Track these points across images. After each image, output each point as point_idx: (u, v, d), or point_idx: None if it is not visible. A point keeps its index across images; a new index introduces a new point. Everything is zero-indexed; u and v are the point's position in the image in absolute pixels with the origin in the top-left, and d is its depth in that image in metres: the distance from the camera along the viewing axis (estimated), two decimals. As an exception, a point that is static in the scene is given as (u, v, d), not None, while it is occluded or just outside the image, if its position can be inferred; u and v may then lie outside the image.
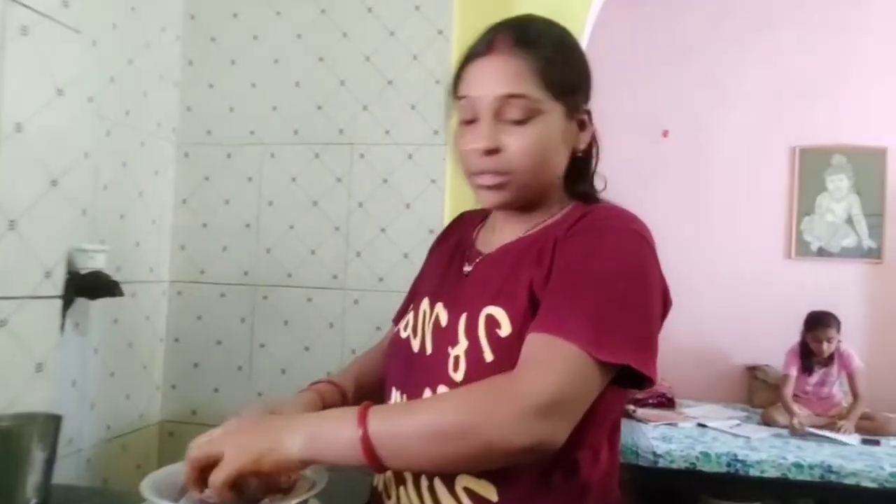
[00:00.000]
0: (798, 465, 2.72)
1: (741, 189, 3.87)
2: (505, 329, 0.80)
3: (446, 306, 0.91)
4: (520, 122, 0.84)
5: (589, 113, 0.91)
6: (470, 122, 0.87)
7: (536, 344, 0.76)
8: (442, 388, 0.84)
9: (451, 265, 0.98)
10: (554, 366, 0.73)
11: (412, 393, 0.89)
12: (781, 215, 3.86)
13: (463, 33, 1.69)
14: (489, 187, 0.87)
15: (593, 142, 0.93)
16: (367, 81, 1.73)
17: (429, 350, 0.90)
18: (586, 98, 0.91)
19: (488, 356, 0.80)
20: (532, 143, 0.84)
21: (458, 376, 0.83)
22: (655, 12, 3.91)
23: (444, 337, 0.87)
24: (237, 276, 1.79)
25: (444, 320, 0.89)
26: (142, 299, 1.71)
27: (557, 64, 0.86)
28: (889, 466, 2.71)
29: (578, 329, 0.73)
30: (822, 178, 3.84)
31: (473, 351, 0.82)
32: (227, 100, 1.82)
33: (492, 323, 0.82)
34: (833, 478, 2.71)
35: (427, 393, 0.86)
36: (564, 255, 0.81)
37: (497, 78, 0.84)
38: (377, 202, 1.72)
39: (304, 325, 1.75)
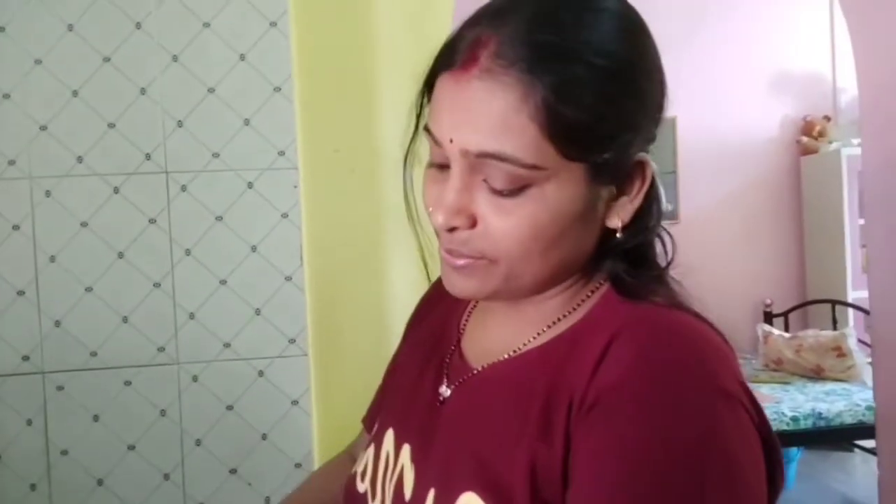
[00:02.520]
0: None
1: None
2: None
3: (414, 459, 0.62)
4: (506, 194, 0.52)
5: (644, 163, 0.55)
6: (440, 166, 0.56)
7: None
8: None
9: (426, 373, 0.67)
10: None
11: None
12: (592, 186, 3.98)
13: (303, 25, 1.33)
14: (455, 269, 0.56)
15: (648, 206, 0.57)
16: (179, 88, 1.31)
17: None
18: (645, 139, 0.55)
19: None
20: (523, 227, 0.52)
21: None
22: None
23: None
24: (13, 363, 1.30)
25: (408, 489, 0.60)
26: None
27: (585, 93, 0.50)
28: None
29: None
30: (625, 147, 4.02)
31: None
32: (-34, 118, 1.28)
33: None
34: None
35: None
36: (596, 455, 0.48)
37: (471, 120, 0.51)
38: (211, 247, 1.32)
39: (124, 418, 1.32)
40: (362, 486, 0.67)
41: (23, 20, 1.28)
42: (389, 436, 0.66)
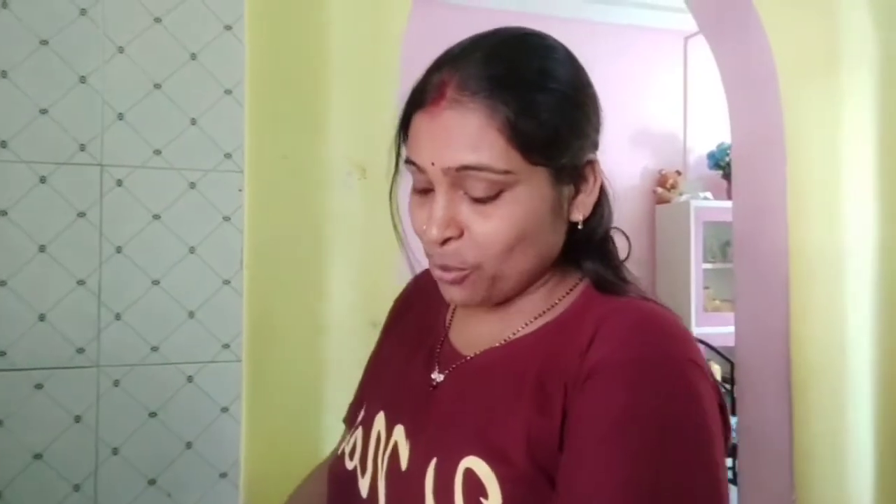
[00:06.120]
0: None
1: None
2: (493, 499, 0.57)
3: (409, 436, 0.67)
4: (485, 200, 0.61)
5: (593, 163, 0.66)
6: (423, 191, 0.64)
7: None
8: None
9: (414, 362, 0.73)
10: None
11: None
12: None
13: (258, 31, 1.34)
14: (448, 280, 0.64)
15: (602, 199, 0.68)
16: (122, 81, 1.27)
17: (381, 502, 0.66)
18: (592, 144, 0.66)
19: None
20: (503, 227, 0.61)
21: None
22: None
23: (405, 492, 0.64)
24: None
25: (404, 460, 0.66)
26: None
27: (540, 110, 0.60)
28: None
29: None
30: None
31: None
32: None
33: (473, 485, 0.58)
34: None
35: None
36: (591, 417, 0.56)
37: (448, 142, 0.60)
38: (145, 245, 1.28)
39: (32, 423, 1.22)
40: (351, 464, 0.71)
41: (-52, -10, 1.19)
42: (380, 418, 0.71)
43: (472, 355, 0.68)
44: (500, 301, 0.67)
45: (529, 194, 0.61)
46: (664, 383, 0.56)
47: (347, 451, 0.73)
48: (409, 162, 0.64)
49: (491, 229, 0.61)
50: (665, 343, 0.59)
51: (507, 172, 0.59)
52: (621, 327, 0.60)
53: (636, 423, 0.55)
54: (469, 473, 0.58)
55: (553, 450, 0.57)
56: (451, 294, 0.65)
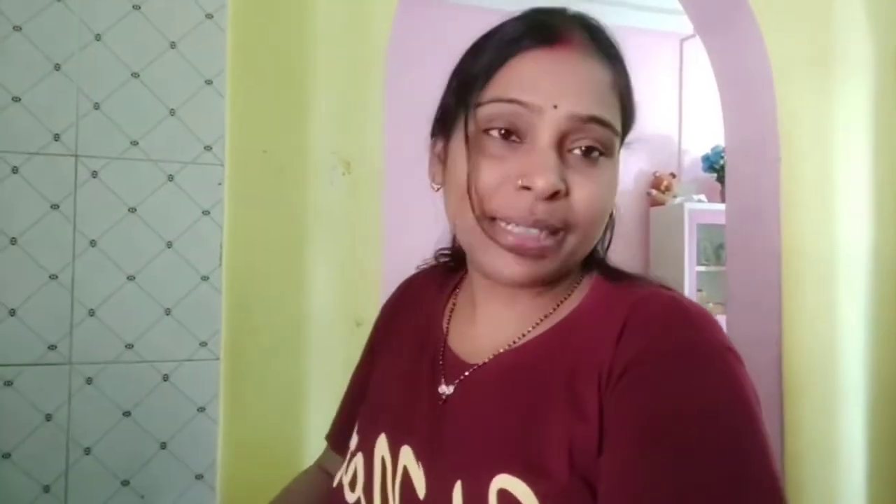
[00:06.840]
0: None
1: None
2: None
3: (419, 458, 0.61)
4: (591, 162, 0.57)
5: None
6: (506, 137, 0.57)
7: None
8: None
9: (415, 376, 0.67)
10: None
11: None
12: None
13: (241, 21, 1.31)
14: (526, 251, 0.56)
15: None
16: (99, 68, 1.23)
17: None
18: None
19: None
20: (600, 195, 0.58)
21: None
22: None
23: None
24: None
25: (420, 487, 0.60)
26: None
27: (632, 88, 0.62)
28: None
29: None
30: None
31: None
32: None
33: None
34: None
35: None
36: (631, 416, 0.51)
37: (581, 88, 0.56)
38: (120, 239, 1.23)
39: (1, 422, 1.18)
40: (353, 496, 0.65)
41: (-82, -28, 1.15)
42: (382, 441, 0.65)
43: (480, 362, 0.63)
44: (542, 286, 0.62)
45: (615, 168, 0.61)
46: (707, 372, 0.51)
47: (346, 482, 0.67)
48: (503, 101, 0.57)
49: (587, 193, 0.57)
50: (701, 331, 0.54)
51: (618, 137, 0.60)
52: (654, 317, 0.55)
53: (683, 416, 0.49)
54: (504, 494, 0.53)
55: (592, 455, 0.52)
56: (515, 269, 0.57)
